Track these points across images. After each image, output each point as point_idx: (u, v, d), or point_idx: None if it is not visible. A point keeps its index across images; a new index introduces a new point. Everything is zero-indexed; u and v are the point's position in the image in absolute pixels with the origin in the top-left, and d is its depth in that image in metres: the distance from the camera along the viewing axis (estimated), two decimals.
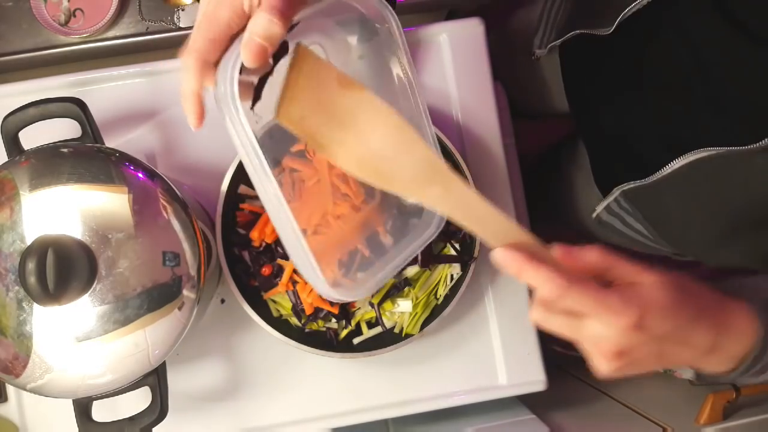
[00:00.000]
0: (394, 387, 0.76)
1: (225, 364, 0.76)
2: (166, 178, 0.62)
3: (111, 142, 0.70)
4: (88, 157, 0.60)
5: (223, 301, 0.76)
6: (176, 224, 0.60)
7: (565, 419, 0.93)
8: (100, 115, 0.67)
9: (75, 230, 0.56)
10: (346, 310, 0.71)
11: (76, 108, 0.63)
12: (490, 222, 0.46)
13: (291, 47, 0.46)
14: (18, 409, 0.75)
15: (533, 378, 0.77)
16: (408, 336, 0.69)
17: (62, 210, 0.56)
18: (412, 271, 0.71)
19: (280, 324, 0.69)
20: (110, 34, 0.91)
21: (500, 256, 0.45)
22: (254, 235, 0.70)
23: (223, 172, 0.70)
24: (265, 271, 0.70)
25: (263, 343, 0.75)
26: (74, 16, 0.90)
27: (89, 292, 0.55)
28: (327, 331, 0.71)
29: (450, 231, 0.71)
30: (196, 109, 0.44)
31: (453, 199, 0.46)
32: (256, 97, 0.45)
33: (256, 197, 0.71)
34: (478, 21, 0.78)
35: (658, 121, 0.65)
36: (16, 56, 0.91)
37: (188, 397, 0.75)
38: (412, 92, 0.51)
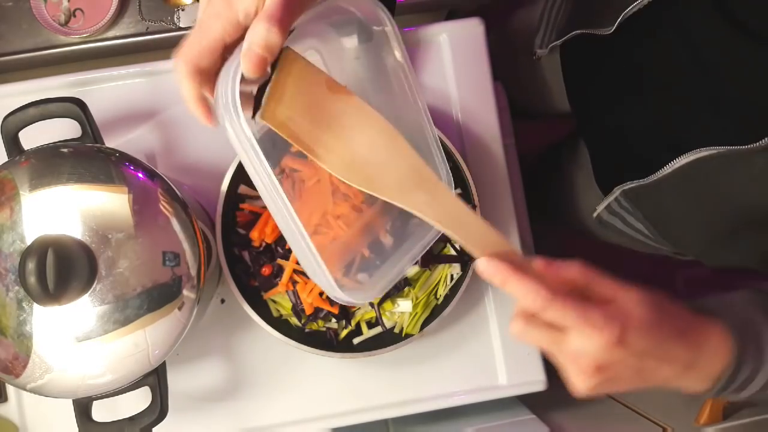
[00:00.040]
0: (394, 387, 0.76)
1: (225, 364, 0.76)
2: (166, 178, 0.62)
3: (111, 142, 0.70)
4: (88, 157, 0.60)
5: (223, 301, 0.76)
6: (176, 224, 0.60)
7: (565, 419, 0.93)
8: (100, 115, 0.67)
9: (75, 230, 0.56)
10: (346, 310, 0.71)
11: (76, 108, 0.63)
12: (474, 231, 0.47)
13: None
14: (18, 409, 0.75)
15: (533, 378, 0.76)
16: (408, 336, 0.69)
17: (62, 210, 0.56)
18: (412, 271, 0.71)
19: (280, 324, 0.69)
20: (110, 34, 0.91)
21: (484, 266, 0.45)
22: (254, 235, 0.70)
23: (223, 172, 0.70)
24: (265, 271, 0.70)
25: (263, 343, 0.75)
26: (74, 16, 0.90)
27: (89, 292, 0.55)
28: (327, 331, 0.71)
29: None
30: (204, 112, 0.45)
31: (438, 207, 0.47)
32: (257, 106, 0.45)
33: (256, 197, 0.71)
34: (478, 21, 0.78)
35: (658, 121, 0.65)
36: (16, 56, 0.91)
37: (188, 397, 0.75)
38: (412, 93, 0.51)
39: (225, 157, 0.72)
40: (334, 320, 0.71)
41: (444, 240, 0.71)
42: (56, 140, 0.64)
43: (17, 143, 0.63)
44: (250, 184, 0.68)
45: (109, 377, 0.58)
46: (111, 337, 0.56)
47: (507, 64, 0.88)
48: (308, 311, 0.69)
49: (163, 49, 0.91)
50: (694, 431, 0.92)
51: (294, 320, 0.71)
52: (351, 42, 0.51)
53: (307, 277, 0.69)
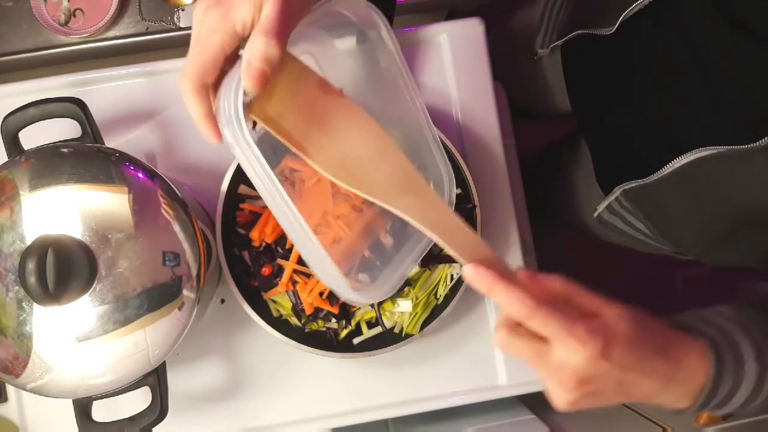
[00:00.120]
0: (394, 387, 0.76)
1: (225, 364, 0.76)
2: (166, 178, 0.62)
3: (111, 142, 0.70)
4: (88, 157, 0.60)
5: (223, 301, 0.76)
6: (176, 224, 0.60)
7: (565, 419, 0.93)
8: (100, 115, 0.67)
9: (75, 230, 0.56)
10: (345, 311, 0.71)
11: (76, 108, 0.63)
12: (460, 237, 0.47)
13: None
14: (18, 409, 0.75)
15: (533, 378, 0.76)
16: (408, 336, 0.69)
17: (62, 210, 0.56)
18: (412, 271, 0.71)
19: (280, 324, 0.69)
20: (110, 34, 0.91)
21: (470, 273, 0.46)
22: (254, 235, 0.70)
23: (223, 172, 0.70)
24: (265, 271, 0.70)
25: (263, 343, 0.75)
26: (74, 16, 0.90)
27: (89, 292, 0.55)
28: (327, 331, 0.71)
29: None
30: (213, 131, 0.45)
31: (425, 211, 0.47)
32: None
33: (256, 197, 0.71)
34: (478, 21, 0.78)
35: (658, 121, 0.65)
36: (16, 56, 0.91)
37: (188, 397, 0.75)
38: (410, 93, 0.51)
39: (225, 157, 0.72)
40: (334, 320, 0.71)
41: None
42: (56, 140, 0.64)
43: (17, 143, 0.63)
44: (250, 184, 0.67)
45: (109, 377, 0.58)
46: (111, 337, 0.56)
47: (507, 64, 0.88)
48: (308, 311, 0.69)
49: (163, 49, 0.91)
50: (694, 431, 0.92)
51: (294, 320, 0.71)
52: (347, 44, 0.51)
53: (308, 278, 0.69)
